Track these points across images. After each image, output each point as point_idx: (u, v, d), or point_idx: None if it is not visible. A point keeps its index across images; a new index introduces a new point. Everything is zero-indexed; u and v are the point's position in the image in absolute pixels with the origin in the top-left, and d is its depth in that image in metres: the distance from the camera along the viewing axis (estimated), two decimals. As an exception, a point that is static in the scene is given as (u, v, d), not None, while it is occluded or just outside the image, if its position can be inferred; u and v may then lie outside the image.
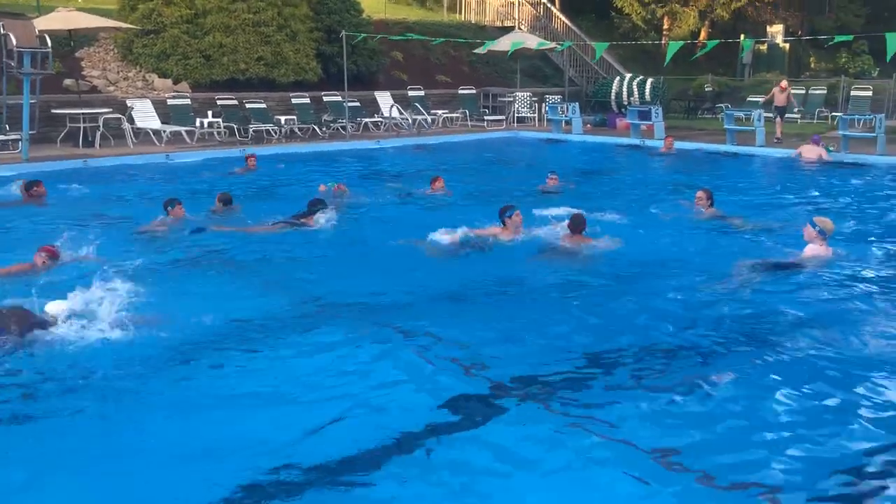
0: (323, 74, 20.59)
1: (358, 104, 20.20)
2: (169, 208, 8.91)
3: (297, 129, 18.64)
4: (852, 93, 21.13)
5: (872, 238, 8.75)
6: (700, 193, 9.64)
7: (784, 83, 18.74)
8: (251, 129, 17.81)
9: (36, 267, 6.67)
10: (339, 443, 3.98)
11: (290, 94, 19.41)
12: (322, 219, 8.94)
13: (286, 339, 5.48)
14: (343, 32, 18.84)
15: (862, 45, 29.39)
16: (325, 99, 19.93)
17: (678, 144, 17.42)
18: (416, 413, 4.32)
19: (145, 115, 16.75)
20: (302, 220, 8.95)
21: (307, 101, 19.45)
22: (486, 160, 16.77)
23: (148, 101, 17.16)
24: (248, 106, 18.33)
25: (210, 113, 17.62)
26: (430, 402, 4.46)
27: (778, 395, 4.59)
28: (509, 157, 17.59)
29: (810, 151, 15.38)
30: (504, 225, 8.10)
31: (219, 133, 17.49)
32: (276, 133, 18.14)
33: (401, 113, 20.29)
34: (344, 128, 19.00)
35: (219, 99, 18.16)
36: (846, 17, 32.92)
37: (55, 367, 4.81)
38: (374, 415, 4.34)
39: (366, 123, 20.06)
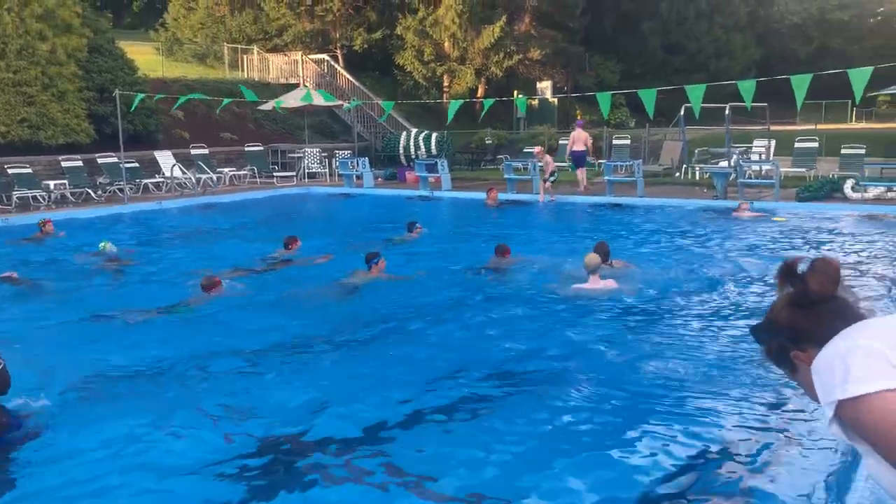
0: (96, 136, 19.44)
1: (136, 165, 19.23)
2: None
3: (69, 194, 17.39)
4: (614, 141, 23.10)
5: (650, 265, 9.61)
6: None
7: (538, 149, 18.21)
8: (15, 196, 16.38)
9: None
10: None
11: (60, 157, 18.10)
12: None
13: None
14: (117, 91, 17.94)
15: (620, 98, 32.41)
16: (99, 161, 18.77)
17: (465, 195, 18.12)
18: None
19: None
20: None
21: (80, 163, 18.23)
22: (309, 216, 16.68)
23: None
24: (10, 171, 16.86)
25: (-35, 180, 16.05)
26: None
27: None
28: (332, 213, 17.58)
29: (579, 141, 18.25)
30: (370, 270, 8.77)
31: (-24, 201, 15.93)
32: (44, 199, 16.81)
33: (184, 172, 19.56)
34: (122, 190, 17.99)
35: (-25, 164, 16.58)
36: (604, 73, 36.42)
37: None
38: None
39: (146, 185, 19.13)
